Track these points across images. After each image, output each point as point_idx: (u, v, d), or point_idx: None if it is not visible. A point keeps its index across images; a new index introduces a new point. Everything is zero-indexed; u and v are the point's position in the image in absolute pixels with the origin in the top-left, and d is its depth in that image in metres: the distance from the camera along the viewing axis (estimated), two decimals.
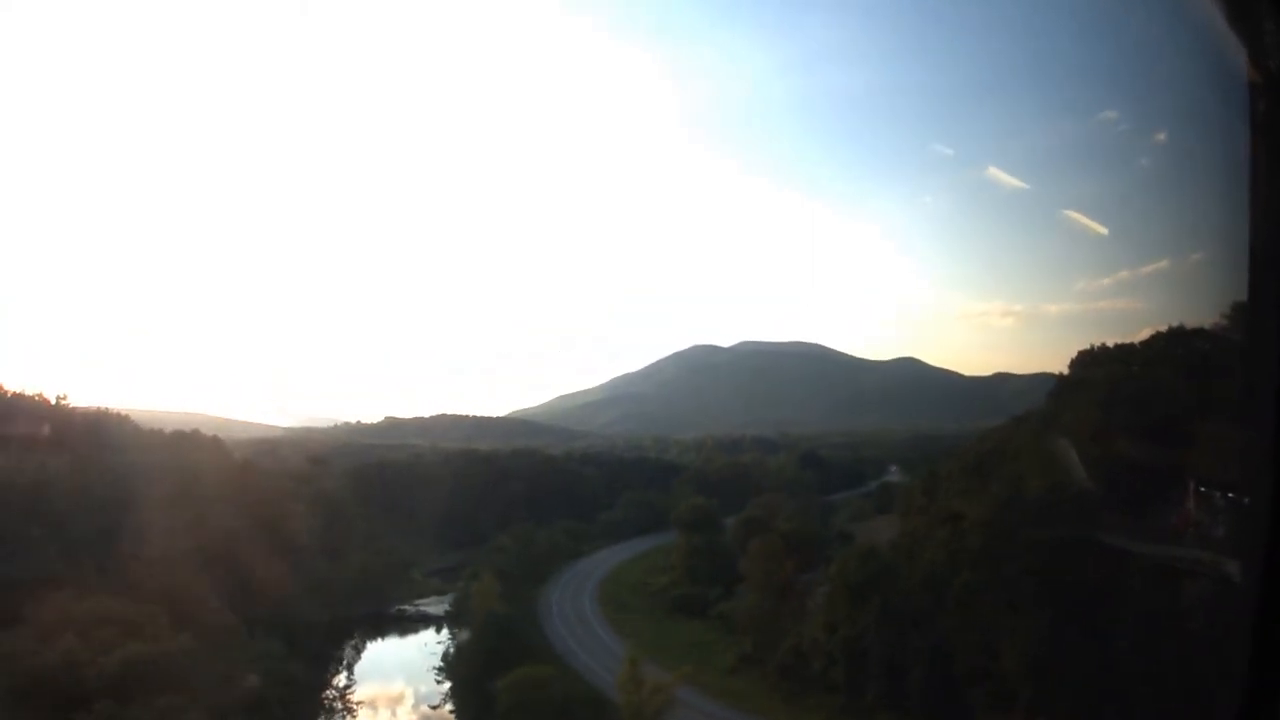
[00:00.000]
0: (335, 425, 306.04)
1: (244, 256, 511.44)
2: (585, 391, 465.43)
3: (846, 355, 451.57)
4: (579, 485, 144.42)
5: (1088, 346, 66.29)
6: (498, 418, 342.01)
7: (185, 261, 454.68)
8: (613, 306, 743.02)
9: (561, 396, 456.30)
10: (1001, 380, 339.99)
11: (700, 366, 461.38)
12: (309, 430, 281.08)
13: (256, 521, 74.17)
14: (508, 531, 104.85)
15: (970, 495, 56.16)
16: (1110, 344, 64.90)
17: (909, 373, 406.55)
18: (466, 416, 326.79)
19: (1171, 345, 58.12)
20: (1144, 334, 62.84)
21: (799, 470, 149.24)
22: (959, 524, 53.72)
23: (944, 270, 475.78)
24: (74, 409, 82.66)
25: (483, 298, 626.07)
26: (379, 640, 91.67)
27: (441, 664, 74.13)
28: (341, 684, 71.94)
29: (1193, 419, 43.80)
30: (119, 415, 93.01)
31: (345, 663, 78.34)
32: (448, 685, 71.43)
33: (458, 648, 74.05)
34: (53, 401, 79.49)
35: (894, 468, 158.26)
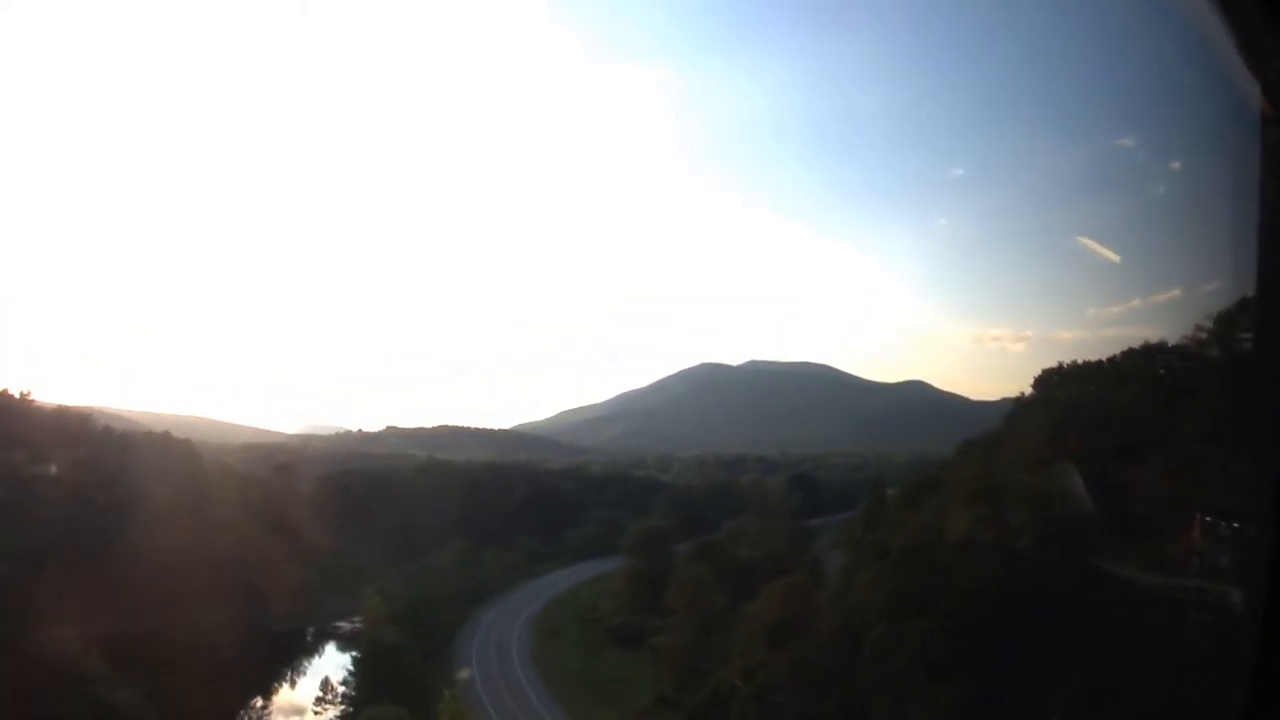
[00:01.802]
0: (337, 432, 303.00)
1: (251, 261, 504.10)
2: (591, 406, 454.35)
3: (855, 377, 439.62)
4: (554, 500, 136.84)
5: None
6: (501, 430, 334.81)
7: (190, 264, 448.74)
8: (620, 321, 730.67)
9: (566, 411, 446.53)
10: (1009, 406, 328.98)
11: (707, 384, 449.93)
12: (308, 437, 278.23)
13: (189, 529, 68.84)
14: (451, 547, 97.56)
15: (899, 530, 47.68)
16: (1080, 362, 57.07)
17: (917, 396, 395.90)
18: (468, 428, 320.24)
19: (1141, 364, 50.31)
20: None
21: (787, 491, 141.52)
22: (883, 564, 45.13)
23: (955, 295, 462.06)
24: (35, 405, 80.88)
25: (490, 307, 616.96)
26: (304, 659, 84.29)
27: (320, 693, 66.25)
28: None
29: (1161, 440, 38.93)
30: (84, 413, 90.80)
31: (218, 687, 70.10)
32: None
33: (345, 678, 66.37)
34: (16, 396, 77.68)
35: (891, 491, 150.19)
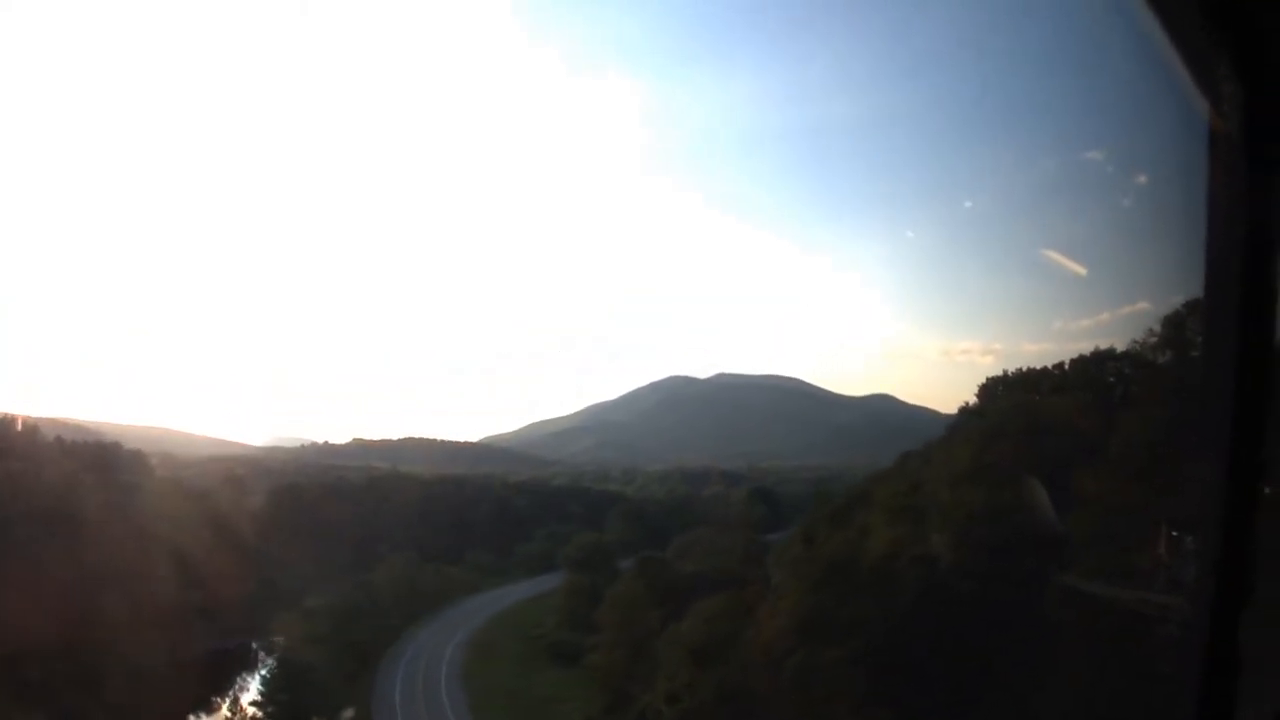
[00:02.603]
0: (302, 445, 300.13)
1: (222, 274, 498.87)
2: (560, 419, 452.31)
3: (823, 390, 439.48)
4: (508, 514, 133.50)
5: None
6: (468, 442, 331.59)
7: (163, 276, 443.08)
8: (591, 333, 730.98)
9: (535, 423, 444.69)
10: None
11: (676, 397, 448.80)
12: (273, 449, 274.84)
13: (127, 543, 65.34)
14: (383, 562, 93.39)
15: (824, 548, 44.29)
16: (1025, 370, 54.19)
17: (883, 409, 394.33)
18: (434, 440, 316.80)
19: (1092, 372, 47.50)
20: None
21: (748, 504, 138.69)
22: (801, 585, 41.66)
23: (924, 308, 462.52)
24: None
25: (460, 320, 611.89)
26: (242, 676, 79.90)
27: (228, 714, 62.11)
28: None
29: (1100, 449, 36.42)
30: (31, 423, 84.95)
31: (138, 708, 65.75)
32: None
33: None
34: None
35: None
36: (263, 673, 66.75)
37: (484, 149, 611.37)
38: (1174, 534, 32.83)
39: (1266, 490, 3.96)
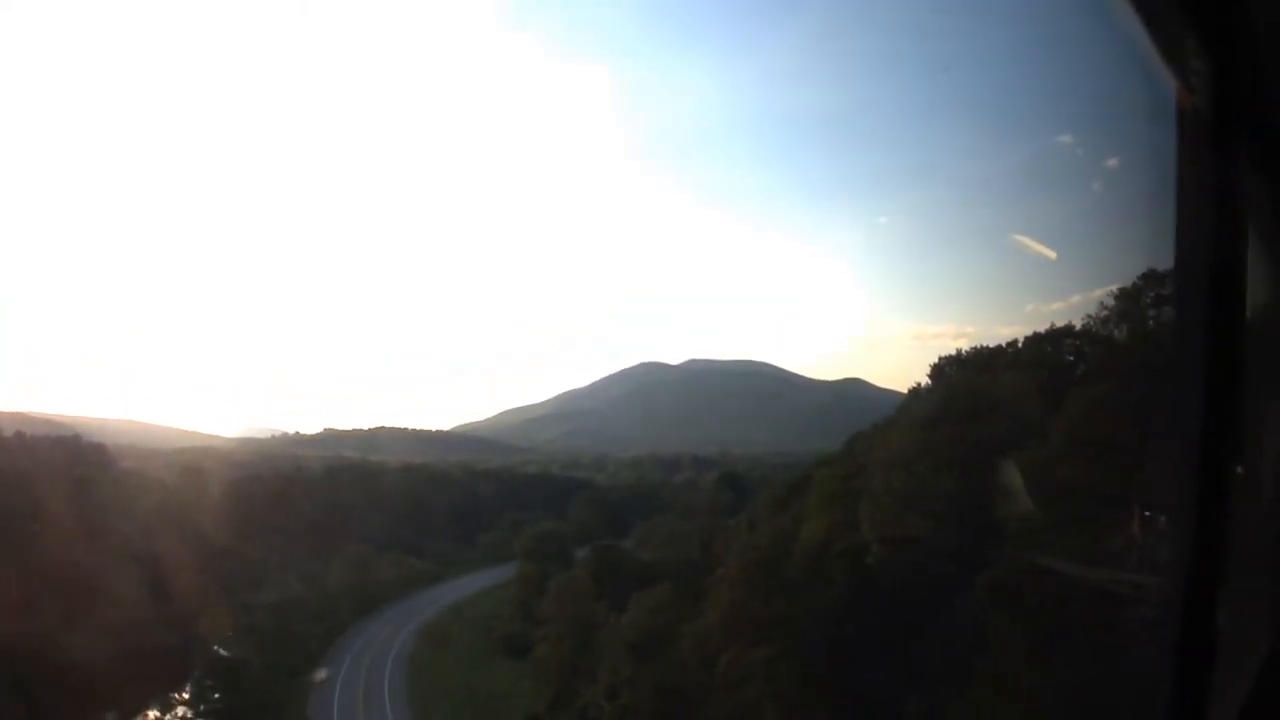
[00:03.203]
0: (273, 436, 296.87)
1: (199, 267, 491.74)
2: (532, 406, 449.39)
3: (795, 375, 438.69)
4: (470, 503, 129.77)
5: None
6: (440, 431, 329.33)
7: (137, 269, 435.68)
8: (561, 321, 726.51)
9: (508, 411, 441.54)
10: None
11: (648, 383, 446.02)
12: (246, 440, 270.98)
13: (54, 541, 61.04)
14: (338, 553, 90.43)
15: (759, 538, 41.94)
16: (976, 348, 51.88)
17: (853, 394, 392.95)
18: (405, 429, 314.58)
19: (1047, 350, 45.36)
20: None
21: (716, 490, 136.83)
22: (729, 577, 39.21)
23: (896, 292, 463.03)
24: None
25: (430, 312, 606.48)
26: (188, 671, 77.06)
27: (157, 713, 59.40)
28: None
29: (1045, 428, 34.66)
30: None
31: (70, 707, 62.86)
32: None
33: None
34: None
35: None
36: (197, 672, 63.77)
37: (455, 134, 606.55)
38: (1145, 514, 31.02)
39: (1239, 470, 3.94)
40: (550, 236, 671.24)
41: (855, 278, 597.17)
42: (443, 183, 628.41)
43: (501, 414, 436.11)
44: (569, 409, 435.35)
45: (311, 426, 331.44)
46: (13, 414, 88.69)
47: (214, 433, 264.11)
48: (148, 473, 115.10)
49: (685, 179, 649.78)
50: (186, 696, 59.57)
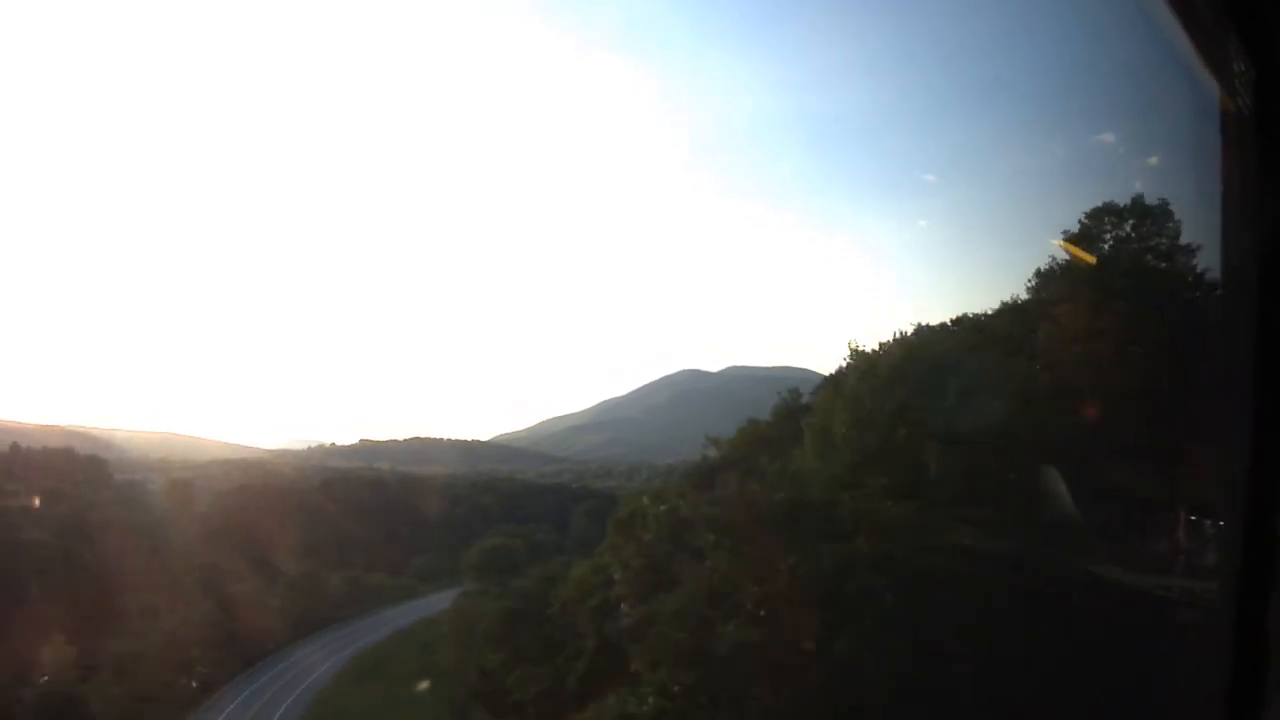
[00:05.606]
0: (310, 447, 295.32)
1: (236, 277, 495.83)
2: (572, 415, 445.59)
3: None
4: (466, 514, 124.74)
5: None
6: (476, 441, 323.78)
7: (174, 279, 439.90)
8: (602, 328, 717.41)
9: (547, 420, 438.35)
10: None
11: (687, 391, 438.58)
12: (284, 452, 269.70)
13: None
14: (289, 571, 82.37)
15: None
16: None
17: None
18: (442, 439, 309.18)
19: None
20: None
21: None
22: None
23: (934, 296, 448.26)
24: None
25: (470, 319, 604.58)
26: None
27: None
28: None
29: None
30: None
31: None
32: None
33: None
34: None
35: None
36: None
37: (492, 140, 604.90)
38: (1192, 519, 29.86)
39: None
40: (588, 245, 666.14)
41: (895, 281, 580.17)
42: (487, 192, 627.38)
43: (542, 423, 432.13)
44: (609, 417, 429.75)
45: (348, 438, 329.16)
46: (43, 426, 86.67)
47: (253, 444, 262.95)
48: (149, 485, 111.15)
49: (726, 183, 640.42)
50: None
